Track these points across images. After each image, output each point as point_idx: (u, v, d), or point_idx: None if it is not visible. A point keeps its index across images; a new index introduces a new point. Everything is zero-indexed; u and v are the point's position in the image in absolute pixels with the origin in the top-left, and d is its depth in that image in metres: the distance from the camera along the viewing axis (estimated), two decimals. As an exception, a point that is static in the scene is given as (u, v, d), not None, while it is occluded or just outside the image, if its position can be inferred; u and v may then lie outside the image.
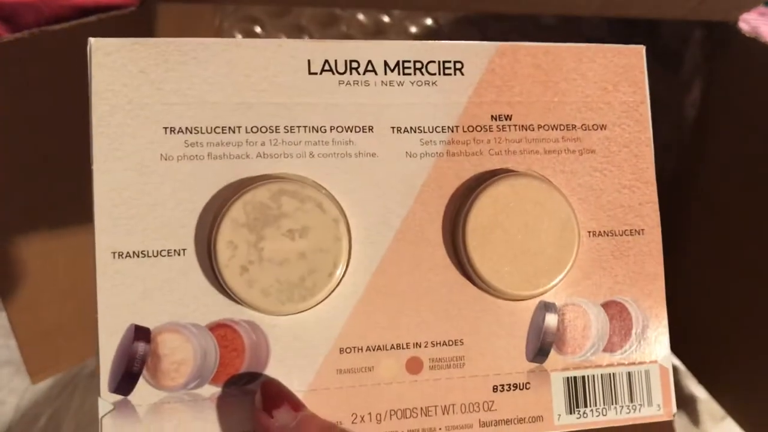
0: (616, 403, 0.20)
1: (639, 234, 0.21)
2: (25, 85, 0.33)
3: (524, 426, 0.20)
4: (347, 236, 0.19)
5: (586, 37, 0.46)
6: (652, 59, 0.44)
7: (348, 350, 0.19)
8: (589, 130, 0.21)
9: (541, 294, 0.20)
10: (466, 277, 0.20)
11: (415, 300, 0.19)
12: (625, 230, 0.21)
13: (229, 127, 0.19)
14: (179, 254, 0.18)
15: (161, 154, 0.18)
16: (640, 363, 0.21)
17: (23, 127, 0.34)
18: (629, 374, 0.21)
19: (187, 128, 0.19)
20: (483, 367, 0.20)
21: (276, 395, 0.18)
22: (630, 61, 0.21)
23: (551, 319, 0.20)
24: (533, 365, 0.20)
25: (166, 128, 0.19)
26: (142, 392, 0.18)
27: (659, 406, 0.21)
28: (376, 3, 0.42)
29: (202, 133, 0.19)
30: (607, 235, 0.21)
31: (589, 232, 0.21)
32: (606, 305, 0.21)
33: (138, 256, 0.18)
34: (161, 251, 0.18)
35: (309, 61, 0.19)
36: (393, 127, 0.20)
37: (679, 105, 0.41)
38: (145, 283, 0.18)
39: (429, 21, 0.47)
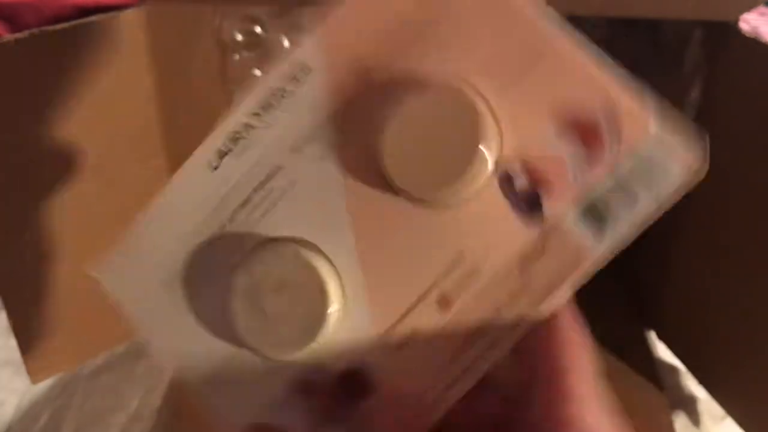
0: (637, 201, 0.19)
1: (540, 58, 0.19)
2: (26, 86, 0.33)
3: (569, 273, 0.19)
4: (314, 258, 0.20)
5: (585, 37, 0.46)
6: (652, 59, 0.44)
7: (387, 332, 0.20)
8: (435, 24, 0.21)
9: (486, 168, 0.19)
10: (418, 206, 0.20)
11: (401, 255, 0.20)
12: (524, 65, 0.19)
13: (204, 243, 0.21)
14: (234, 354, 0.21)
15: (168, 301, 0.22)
16: (634, 147, 0.18)
17: (23, 127, 0.34)
18: (631, 168, 0.19)
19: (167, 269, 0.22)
20: (496, 261, 0.19)
21: None
22: None
23: (519, 180, 0.19)
24: (535, 227, 0.19)
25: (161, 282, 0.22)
26: None
27: (680, 166, 0.19)
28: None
29: (188, 264, 0.21)
30: (511, 77, 0.19)
31: (495, 87, 0.19)
32: (560, 129, 0.19)
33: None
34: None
35: (209, 161, 0.21)
36: (291, 149, 0.21)
37: (679, 105, 0.41)
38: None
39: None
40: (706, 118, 0.38)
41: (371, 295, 0.20)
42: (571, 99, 0.19)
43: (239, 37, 0.49)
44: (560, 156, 0.19)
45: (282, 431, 0.20)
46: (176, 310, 0.21)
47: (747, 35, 0.35)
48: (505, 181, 0.19)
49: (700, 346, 0.42)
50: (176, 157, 0.41)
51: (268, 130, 0.21)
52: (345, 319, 0.20)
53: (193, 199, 0.21)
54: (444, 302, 0.20)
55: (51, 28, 0.33)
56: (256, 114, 0.21)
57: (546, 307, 0.19)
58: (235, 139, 0.21)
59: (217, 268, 0.21)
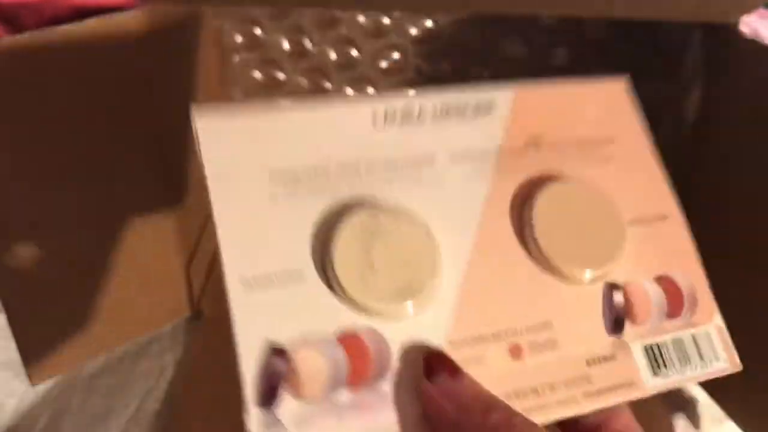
0: (689, 363, 0.23)
1: (664, 219, 0.25)
2: (26, 87, 0.33)
3: (621, 391, 0.22)
4: (438, 246, 0.21)
5: (586, 38, 0.46)
6: (653, 61, 0.44)
7: (457, 344, 0.21)
8: (605, 143, 0.25)
9: (605, 275, 0.23)
10: (540, 267, 0.23)
11: (504, 293, 0.22)
12: (654, 217, 0.25)
13: (321, 167, 0.22)
14: (300, 276, 0.21)
15: (269, 195, 0.21)
16: (699, 325, 0.24)
17: (24, 129, 0.34)
18: (693, 336, 0.24)
19: (287, 170, 0.22)
20: (573, 345, 0.22)
21: (436, 362, 0.20)
22: (612, 94, 0.26)
23: (618, 296, 0.23)
24: (613, 338, 0.22)
25: (271, 173, 0.22)
26: (286, 408, 0.19)
27: (726, 360, 0.24)
28: (377, 5, 0.42)
29: (300, 180, 0.22)
30: (641, 223, 0.24)
31: (627, 221, 0.24)
32: (657, 280, 0.24)
33: (265, 284, 0.20)
34: (284, 275, 0.20)
35: (374, 113, 0.23)
36: (451, 156, 0.23)
37: (679, 106, 0.41)
38: (274, 307, 0.20)
39: (429, 23, 0.47)
40: (706, 120, 0.38)
41: (459, 308, 0.21)
42: (674, 262, 0.24)
43: (239, 39, 0.49)
44: (651, 298, 0.23)
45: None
46: (267, 212, 0.21)
47: (747, 37, 0.35)
48: (609, 290, 0.23)
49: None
50: (176, 157, 0.41)
51: (436, 124, 0.23)
52: (426, 307, 0.21)
53: (336, 133, 0.22)
54: (516, 351, 0.21)
55: (51, 29, 0.33)
56: (435, 107, 0.23)
57: (593, 406, 0.21)
58: (406, 114, 0.23)
59: (333, 192, 0.22)
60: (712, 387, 0.41)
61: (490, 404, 0.19)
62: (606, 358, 0.22)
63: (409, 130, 0.23)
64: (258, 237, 0.21)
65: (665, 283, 0.24)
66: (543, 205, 0.23)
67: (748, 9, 0.35)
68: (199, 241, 0.47)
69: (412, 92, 0.23)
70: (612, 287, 0.23)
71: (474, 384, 0.20)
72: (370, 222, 0.21)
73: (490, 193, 0.23)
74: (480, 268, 0.22)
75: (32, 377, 0.41)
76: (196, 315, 0.47)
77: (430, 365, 0.20)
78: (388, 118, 0.23)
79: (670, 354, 0.23)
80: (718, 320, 0.24)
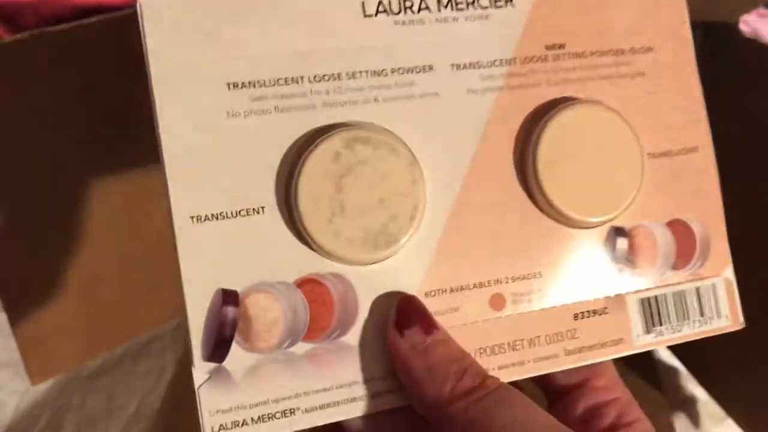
0: (688, 319, 0.21)
1: (693, 152, 0.21)
2: (26, 87, 0.33)
3: (606, 349, 0.20)
4: (422, 179, 0.19)
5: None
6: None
7: (433, 293, 0.19)
8: (637, 53, 0.21)
9: (612, 219, 0.20)
10: (539, 209, 0.20)
11: (492, 237, 0.20)
12: (681, 149, 0.21)
13: (292, 78, 0.18)
14: (259, 212, 0.18)
15: (227, 112, 0.18)
16: (707, 277, 0.21)
17: (23, 128, 0.34)
18: (698, 290, 0.21)
19: (250, 82, 0.18)
20: (562, 297, 0.20)
21: (409, 314, 0.18)
22: None
23: (622, 243, 0.20)
24: (609, 291, 0.20)
25: (229, 84, 0.18)
26: (236, 357, 0.17)
27: (728, 318, 0.22)
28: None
29: (266, 86, 0.18)
30: (665, 156, 0.21)
31: (649, 154, 0.21)
32: (669, 224, 0.21)
33: (217, 219, 0.18)
34: (240, 211, 0.18)
35: (363, 3, 0.19)
36: (453, 65, 0.19)
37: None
38: (227, 246, 0.18)
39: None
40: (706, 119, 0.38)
41: (439, 252, 0.19)
42: (693, 204, 0.21)
43: None
44: (659, 246, 0.21)
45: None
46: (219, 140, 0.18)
47: (747, 36, 0.35)
48: (613, 235, 0.20)
49: (700, 347, 0.42)
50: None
51: (442, 26, 0.20)
52: (402, 253, 0.19)
53: (321, 23, 0.19)
54: (497, 302, 0.20)
55: (51, 29, 0.33)
56: (442, 3, 0.20)
57: (574, 363, 0.20)
58: (405, 7, 0.19)
59: (301, 113, 0.18)
60: (712, 386, 0.41)
61: (463, 366, 0.17)
62: (596, 312, 0.20)
63: (406, 25, 0.19)
64: (211, 164, 0.18)
65: (678, 228, 0.21)
66: (551, 138, 0.19)
67: (748, 8, 0.35)
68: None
69: None
70: (617, 232, 0.20)
71: (448, 342, 0.18)
72: (343, 152, 0.18)
73: (494, 114, 0.20)
74: (469, 208, 0.19)
75: (33, 376, 0.41)
76: (197, 314, 0.47)
77: (402, 316, 0.18)
78: (381, 5, 0.19)
79: (669, 309, 0.21)
80: (729, 273, 0.22)
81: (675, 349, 0.44)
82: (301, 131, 0.18)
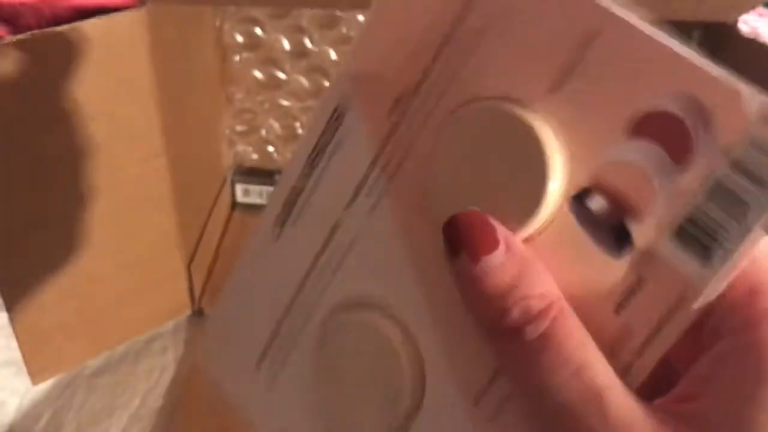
0: (749, 209, 0.14)
1: (598, 36, 0.15)
2: (26, 87, 0.33)
3: (675, 321, 0.14)
4: (406, 341, 0.18)
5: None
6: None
7: None
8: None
9: (558, 189, 0.15)
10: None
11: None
12: (582, 35, 0.15)
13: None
14: None
15: None
16: (731, 138, 0.14)
17: (24, 128, 0.35)
18: (733, 164, 0.14)
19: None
20: (583, 315, 0.15)
21: (457, 237, 0.16)
22: None
23: (596, 204, 0.15)
24: (625, 260, 0.15)
25: None
26: None
27: None
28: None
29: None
30: (570, 72, 0.15)
31: (547, 90, 0.16)
32: (635, 132, 0.15)
33: None
34: None
35: (275, 222, 0.20)
36: (346, 205, 0.19)
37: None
38: None
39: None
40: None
41: (452, 360, 0.17)
42: (641, 90, 0.15)
43: (239, 39, 0.49)
44: (639, 165, 0.15)
45: None
46: (268, 386, 0.20)
47: (746, 36, 0.35)
48: (579, 208, 0.15)
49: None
50: (176, 158, 0.41)
51: (319, 189, 0.19)
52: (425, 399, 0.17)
53: (263, 273, 0.20)
54: None
55: (51, 29, 0.33)
56: (305, 175, 0.19)
57: (651, 356, 0.15)
58: (290, 204, 0.19)
59: (298, 341, 0.19)
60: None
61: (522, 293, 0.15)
62: (632, 287, 0.15)
63: (303, 218, 0.20)
64: None
65: (649, 124, 0.15)
66: (441, 176, 0.17)
67: (747, 8, 0.35)
68: (201, 240, 0.47)
69: None
70: (580, 199, 0.15)
71: (503, 265, 0.15)
72: (326, 357, 0.19)
73: (395, 217, 0.18)
74: (442, 302, 0.17)
75: (34, 376, 0.41)
76: (198, 313, 0.47)
77: (449, 241, 0.16)
78: (280, 222, 0.20)
79: (722, 210, 0.14)
80: (759, 105, 0.14)
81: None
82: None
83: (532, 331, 0.15)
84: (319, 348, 0.19)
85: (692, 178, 0.14)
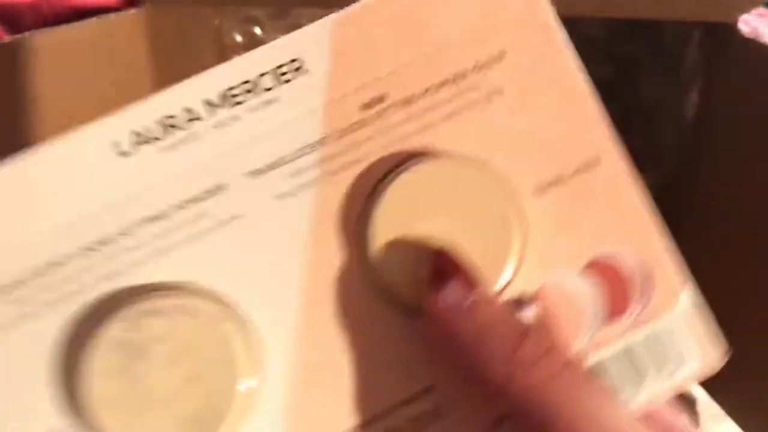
0: (647, 376, 0.16)
1: (595, 165, 0.16)
2: (26, 86, 0.33)
3: None
4: (241, 330, 0.15)
5: (585, 37, 0.46)
6: (652, 60, 0.44)
7: None
8: (486, 68, 0.16)
9: (501, 291, 0.15)
10: (405, 312, 0.16)
11: (360, 358, 0.15)
12: (577, 168, 0.16)
13: (54, 263, 0.15)
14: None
15: None
16: (659, 315, 0.16)
17: (24, 128, 0.34)
18: (651, 337, 0.16)
19: (2, 286, 0.15)
20: (468, 411, 0.15)
21: (447, 267, 0.14)
22: None
23: (526, 316, 0.16)
24: None
25: None
26: None
27: (701, 356, 0.16)
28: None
29: (24, 283, 0.15)
30: (557, 184, 0.16)
31: (534, 190, 0.16)
32: (588, 268, 0.16)
33: None
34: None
35: (115, 141, 0.15)
36: (249, 173, 0.15)
37: (679, 105, 0.41)
38: None
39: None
40: (705, 120, 0.38)
41: (291, 416, 0.15)
42: (613, 232, 0.16)
43: (239, 38, 0.49)
44: (579, 302, 0.16)
45: None
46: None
47: (746, 36, 0.35)
48: (512, 309, 0.16)
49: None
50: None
51: (222, 131, 0.15)
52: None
53: (75, 184, 0.15)
54: None
55: (51, 29, 0.33)
56: (212, 104, 0.15)
57: None
58: (167, 126, 0.15)
59: (70, 299, 0.15)
60: (712, 385, 0.41)
61: (521, 328, 0.14)
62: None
63: (176, 147, 0.15)
64: None
65: (600, 269, 0.16)
66: (384, 218, 0.15)
67: (748, 8, 0.35)
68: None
69: (165, 94, 0.15)
70: (516, 304, 0.16)
71: (493, 300, 0.14)
72: (126, 336, 0.14)
73: (318, 213, 0.16)
74: (318, 340, 0.15)
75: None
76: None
77: (438, 271, 0.15)
78: (138, 135, 0.15)
79: (620, 372, 0.16)
80: (687, 299, 0.16)
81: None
82: (67, 321, 0.15)
83: (560, 356, 0.14)
84: (115, 326, 0.15)
85: (616, 332, 0.16)
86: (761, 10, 0.38)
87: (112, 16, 0.35)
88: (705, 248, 0.42)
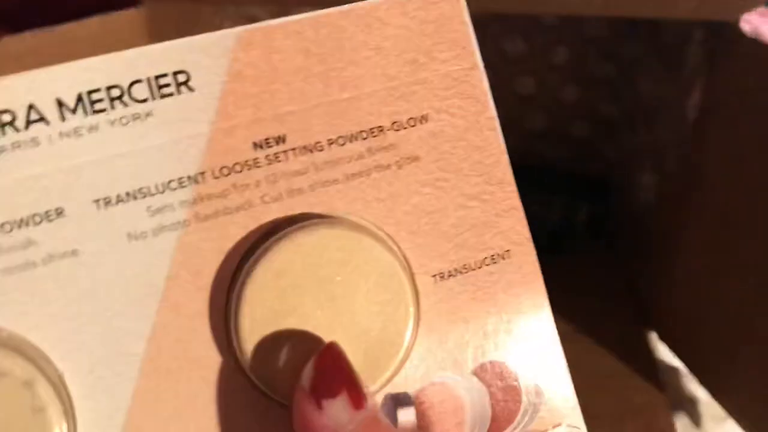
0: None
1: (504, 258, 0.15)
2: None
3: None
4: (57, 398, 0.12)
5: (587, 37, 0.46)
6: (653, 60, 0.44)
7: None
8: (405, 128, 0.14)
9: (380, 389, 0.14)
10: (259, 390, 0.13)
11: None
12: (484, 259, 0.15)
13: None
14: None
15: None
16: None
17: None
18: None
19: None
20: None
21: (334, 377, 0.12)
22: (442, 12, 0.14)
23: (406, 415, 0.14)
24: None
25: None
26: None
27: None
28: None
29: None
30: (461, 273, 0.14)
31: (435, 276, 0.14)
32: (479, 370, 0.15)
33: None
34: None
35: None
36: (97, 201, 0.12)
37: (680, 105, 0.41)
38: None
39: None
40: (707, 119, 0.38)
41: None
42: (507, 343, 0.14)
43: (239, 38, 0.49)
44: (463, 407, 0.14)
45: None
46: None
47: (748, 36, 0.35)
48: (391, 404, 0.14)
49: (701, 347, 0.41)
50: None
51: (72, 142, 0.12)
52: None
53: None
54: None
55: (51, 29, 0.33)
56: (65, 105, 0.12)
57: None
58: (3, 124, 0.12)
59: None
60: (714, 386, 0.41)
61: None
62: None
63: (8, 153, 0.12)
64: None
65: (493, 374, 0.14)
66: (259, 286, 0.13)
67: (749, 7, 0.35)
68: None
69: (9, 79, 0.12)
70: (396, 401, 0.14)
71: (380, 420, 0.13)
72: None
73: (177, 265, 0.12)
74: (152, 408, 0.12)
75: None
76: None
77: (322, 379, 0.13)
78: None
79: None
80: (575, 417, 0.14)
81: (676, 349, 0.44)
82: None
83: None
84: None
85: None
86: (763, 9, 0.38)
87: (112, 15, 0.34)
88: (706, 248, 0.42)
